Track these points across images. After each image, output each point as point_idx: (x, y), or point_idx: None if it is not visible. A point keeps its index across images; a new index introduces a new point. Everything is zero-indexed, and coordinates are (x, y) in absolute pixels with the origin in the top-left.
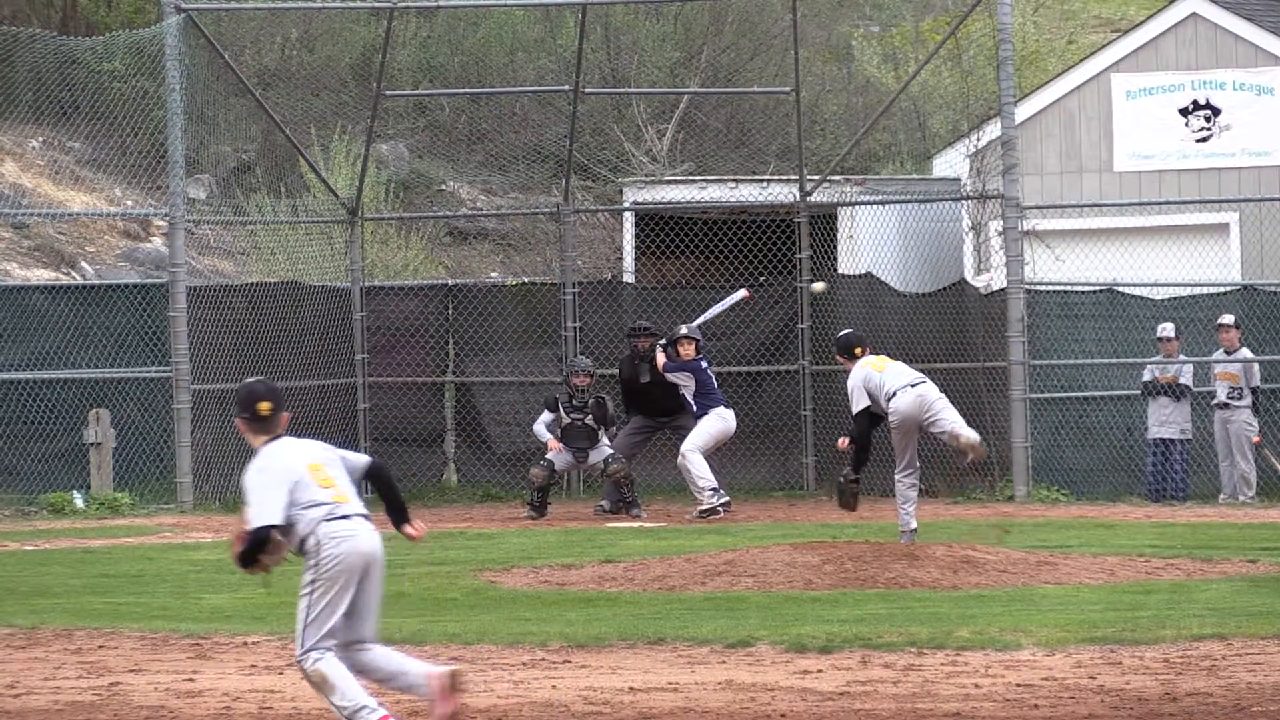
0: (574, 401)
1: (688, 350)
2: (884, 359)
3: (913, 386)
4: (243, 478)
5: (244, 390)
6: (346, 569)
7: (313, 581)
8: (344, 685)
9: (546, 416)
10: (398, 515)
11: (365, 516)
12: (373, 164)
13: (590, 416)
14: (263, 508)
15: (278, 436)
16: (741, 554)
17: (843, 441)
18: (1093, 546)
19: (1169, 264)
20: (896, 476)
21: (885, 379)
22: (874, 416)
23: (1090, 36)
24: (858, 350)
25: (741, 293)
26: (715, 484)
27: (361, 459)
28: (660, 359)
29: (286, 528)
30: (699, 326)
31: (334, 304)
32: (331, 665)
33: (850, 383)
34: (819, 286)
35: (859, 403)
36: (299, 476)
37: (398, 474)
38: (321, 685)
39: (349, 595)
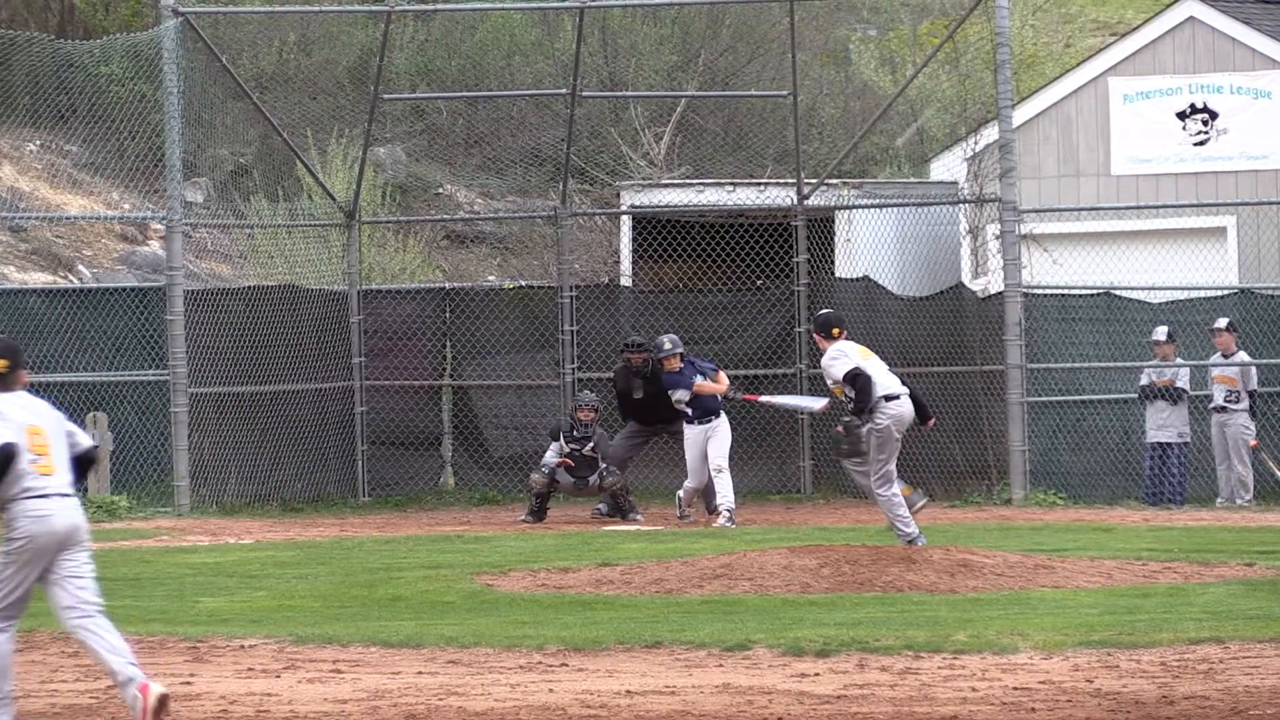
0: (575, 433)
1: (672, 365)
2: (865, 350)
3: (909, 395)
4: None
5: None
6: (36, 549)
7: (5, 553)
8: (5, 668)
9: (554, 448)
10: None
11: (64, 494)
12: (370, 167)
13: (592, 445)
14: None
15: (11, 391)
16: (739, 557)
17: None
18: (1090, 550)
19: (1166, 267)
20: (880, 493)
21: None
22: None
23: (1088, 40)
24: (836, 331)
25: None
26: (733, 504)
27: (83, 443)
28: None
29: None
30: (777, 408)
31: (331, 307)
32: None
33: (828, 356)
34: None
35: (844, 367)
36: (14, 436)
37: (395, 477)
38: None
39: (35, 574)
